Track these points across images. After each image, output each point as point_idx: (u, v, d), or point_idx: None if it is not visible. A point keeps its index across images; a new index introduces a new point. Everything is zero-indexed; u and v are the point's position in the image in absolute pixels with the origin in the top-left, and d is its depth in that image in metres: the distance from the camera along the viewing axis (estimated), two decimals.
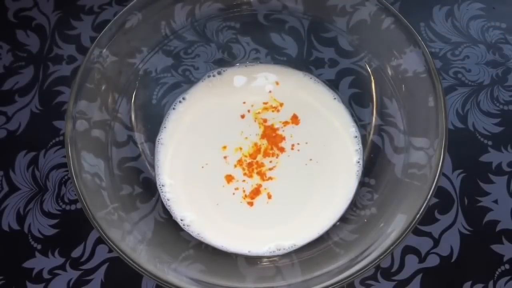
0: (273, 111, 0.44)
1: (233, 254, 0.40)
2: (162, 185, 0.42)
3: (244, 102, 0.45)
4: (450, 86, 0.47)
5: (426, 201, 0.33)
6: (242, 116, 0.44)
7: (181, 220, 0.41)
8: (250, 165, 0.42)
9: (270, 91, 0.45)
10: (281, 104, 0.45)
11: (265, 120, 0.44)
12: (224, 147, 0.43)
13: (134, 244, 0.35)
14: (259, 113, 0.44)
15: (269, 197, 0.41)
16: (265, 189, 0.42)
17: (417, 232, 0.42)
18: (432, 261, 0.42)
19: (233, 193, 0.42)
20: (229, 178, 0.42)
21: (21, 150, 0.47)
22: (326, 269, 0.35)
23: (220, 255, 0.39)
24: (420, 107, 0.37)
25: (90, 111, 0.38)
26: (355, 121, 0.44)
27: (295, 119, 0.44)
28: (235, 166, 0.42)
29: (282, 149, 0.43)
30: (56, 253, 0.44)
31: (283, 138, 0.43)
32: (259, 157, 0.43)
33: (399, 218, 0.34)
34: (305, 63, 0.45)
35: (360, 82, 0.43)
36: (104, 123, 0.39)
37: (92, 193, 0.35)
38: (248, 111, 0.45)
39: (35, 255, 0.44)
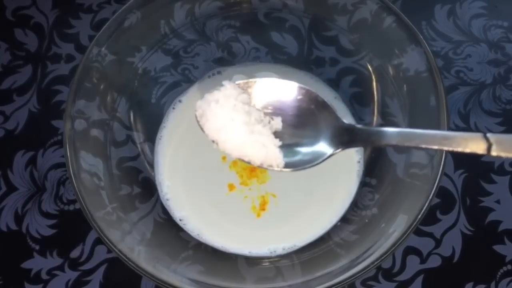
0: None
1: (233, 254, 0.39)
2: (161, 185, 0.42)
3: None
4: (451, 85, 0.47)
5: (428, 201, 0.32)
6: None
7: (180, 220, 0.41)
8: (250, 167, 0.42)
9: None
10: None
11: None
12: None
13: (133, 245, 0.35)
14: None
15: (269, 197, 0.41)
16: (265, 189, 0.41)
17: (418, 232, 0.42)
18: (434, 261, 0.41)
19: (233, 193, 0.41)
20: (230, 179, 0.42)
21: (19, 149, 0.47)
22: (327, 270, 0.35)
23: (220, 256, 0.39)
24: (422, 106, 0.36)
25: (89, 111, 0.38)
26: (356, 121, 0.44)
27: None
28: (235, 166, 0.42)
29: None
30: (54, 254, 0.43)
31: None
32: None
33: (401, 219, 0.34)
34: (305, 62, 0.45)
35: (361, 81, 0.43)
36: (103, 122, 0.39)
37: (90, 193, 0.35)
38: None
39: (33, 255, 0.43)
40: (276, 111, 0.26)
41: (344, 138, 0.26)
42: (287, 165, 0.26)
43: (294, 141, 0.26)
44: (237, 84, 0.26)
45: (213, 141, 0.27)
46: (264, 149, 0.25)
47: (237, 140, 0.25)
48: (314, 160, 0.26)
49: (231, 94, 0.26)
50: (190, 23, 0.43)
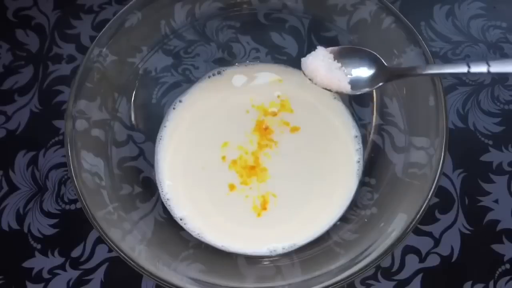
0: (272, 114, 0.44)
1: (233, 253, 0.39)
2: (162, 185, 0.42)
3: (244, 102, 0.45)
4: (450, 85, 0.47)
5: (427, 201, 0.33)
6: (242, 116, 0.44)
7: (181, 219, 0.41)
8: (250, 166, 0.42)
9: (278, 96, 0.45)
10: (283, 106, 0.45)
11: (264, 120, 0.44)
12: (224, 147, 0.43)
13: (134, 244, 0.35)
14: (259, 112, 0.44)
15: (269, 197, 0.41)
16: (266, 189, 0.42)
17: (417, 231, 0.42)
18: (433, 261, 0.42)
19: (234, 193, 0.42)
20: (230, 178, 0.42)
21: (21, 149, 0.47)
22: (327, 269, 0.35)
23: (220, 255, 0.39)
24: (421, 106, 0.37)
25: (90, 111, 0.38)
26: (356, 121, 0.44)
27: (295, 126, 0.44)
28: (235, 165, 0.42)
29: (282, 149, 0.43)
30: (55, 253, 0.44)
31: (283, 138, 0.43)
32: (259, 157, 0.43)
33: (400, 218, 0.34)
34: None
35: None
36: (104, 122, 0.39)
37: (91, 193, 0.35)
38: (248, 110, 0.45)
39: (34, 254, 0.44)
40: (348, 62, 0.38)
41: (388, 75, 0.37)
42: (352, 91, 0.37)
43: (357, 77, 0.38)
44: (326, 49, 0.38)
45: (309, 79, 0.38)
46: (338, 82, 0.37)
47: (324, 76, 0.37)
48: (370, 87, 0.38)
49: (322, 53, 0.38)
50: (191, 24, 0.43)
